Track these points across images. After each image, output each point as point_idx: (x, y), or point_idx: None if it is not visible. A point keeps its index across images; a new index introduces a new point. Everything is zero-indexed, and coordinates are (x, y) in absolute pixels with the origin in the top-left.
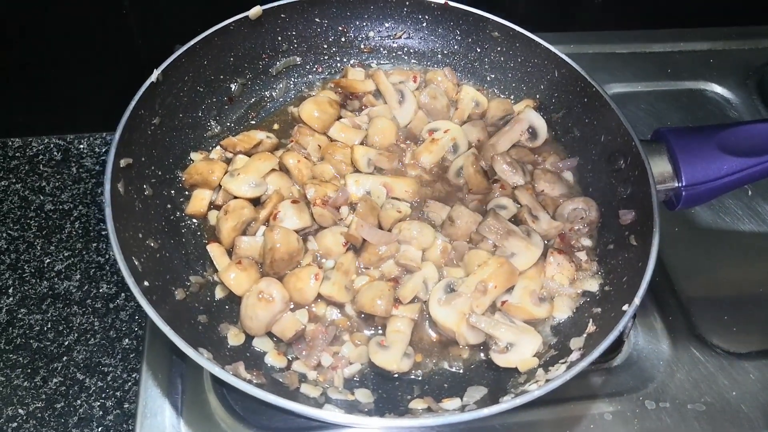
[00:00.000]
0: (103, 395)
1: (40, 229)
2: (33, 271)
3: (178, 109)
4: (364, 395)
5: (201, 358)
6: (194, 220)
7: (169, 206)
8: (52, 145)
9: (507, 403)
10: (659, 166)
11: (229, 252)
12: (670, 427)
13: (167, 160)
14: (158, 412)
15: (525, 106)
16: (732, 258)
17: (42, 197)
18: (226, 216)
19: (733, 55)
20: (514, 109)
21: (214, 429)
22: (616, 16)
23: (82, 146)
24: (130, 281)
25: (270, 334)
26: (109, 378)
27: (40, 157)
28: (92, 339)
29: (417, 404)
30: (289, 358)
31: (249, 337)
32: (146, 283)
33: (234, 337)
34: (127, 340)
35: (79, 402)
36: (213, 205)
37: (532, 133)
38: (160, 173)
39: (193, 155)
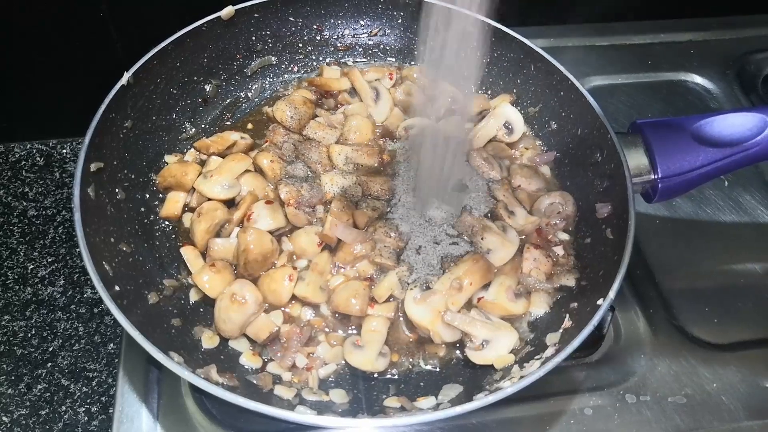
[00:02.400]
0: (88, 401)
1: (23, 234)
2: (16, 277)
3: (151, 111)
4: (339, 396)
5: (171, 362)
6: (168, 223)
7: (142, 209)
8: (34, 151)
9: (480, 401)
10: (635, 159)
11: (204, 254)
12: (651, 420)
13: (140, 163)
14: (135, 417)
15: (501, 101)
16: (713, 249)
17: (25, 203)
18: (200, 218)
19: (714, 46)
20: (491, 104)
21: None
22: (596, 9)
23: (65, 151)
24: (99, 286)
25: (246, 335)
26: (94, 383)
27: (23, 162)
28: (77, 344)
29: (391, 402)
30: (264, 359)
31: (224, 340)
32: (117, 288)
33: (208, 340)
34: (111, 344)
35: (64, 408)
36: (187, 208)
37: (509, 128)
38: (133, 177)
39: (167, 158)
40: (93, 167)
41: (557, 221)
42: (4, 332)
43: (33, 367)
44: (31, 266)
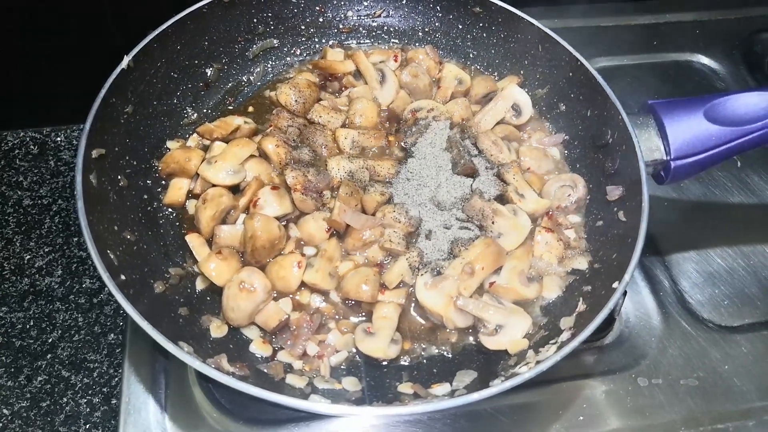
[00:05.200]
0: (90, 392)
1: (18, 225)
2: (13, 268)
3: (152, 96)
4: (351, 383)
5: (181, 352)
6: (172, 211)
7: (145, 197)
8: (28, 139)
9: (497, 386)
10: (647, 140)
11: (209, 242)
12: (664, 403)
13: (142, 149)
14: (142, 408)
15: (509, 82)
16: (722, 231)
17: (20, 192)
18: (205, 205)
19: (720, 26)
20: (498, 86)
21: (200, 423)
22: None
23: (59, 139)
24: (105, 276)
25: (255, 324)
26: (95, 374)
27: (16, 151)
28: (76, 335)
29: (405, 389)
30: (275, 347)
31: (232, 329)
32: (123, 277)
33: (216, 329)
34: (112, 335)
35: (65, 400)
36: (191, 194)
37: (517, 109)
38: (135, 163)
39: (170, 144)
40: (95, 153)
41: (568, 204)
42: (2, 324)
43: (32, 359)
44: (28, 257)
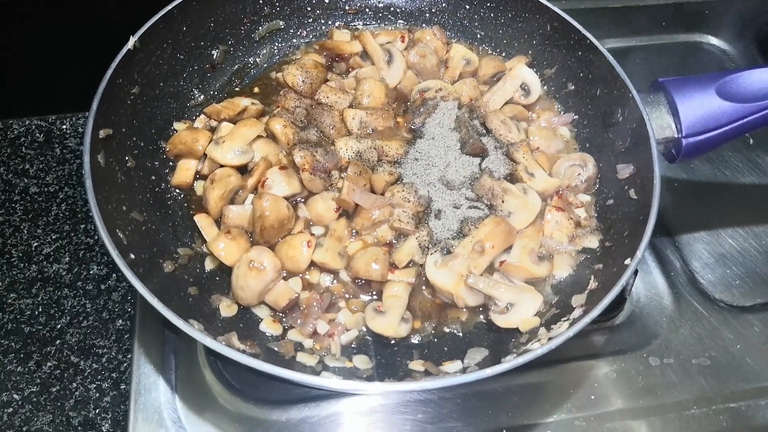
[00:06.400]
0: (99, 377)
1: (25, 212)
2: (21, 255)
3: (159, 77)
4: (362, 361)
5: (192, 329)
6: (180, 191)
7: (153, 178)
8: (33, 127)
9: (510, 362)
10: (658, 118)
11: (218, 222)
12: (675, 383)
13: (149, 130)
14: (152, 389)
15: (517, 62)
16: (733, 211)
17: (26, 180)
18: (213, 185)
19: (729, 6)
20: (506, 66)
21: (210, 403)
22: None
23: (64, 126)
24: (114, 254)
25: (264, 303)
26: (104, 360)
27: (22, 139)
28: (85, 321)
29: (416, 366)
30: (285, 326)
31: (241, 308)
32: (132, 256)
33: (226, 309)
34: (120, 320)
35: (74, 385)
36: (199, 175)
37: (526, 89)
38: (142, 144)
39: (177, 125)
40: (102, 134)
41: (578, 183)
42: (11, 310)
43: (41, 345)
44: (36, 244)
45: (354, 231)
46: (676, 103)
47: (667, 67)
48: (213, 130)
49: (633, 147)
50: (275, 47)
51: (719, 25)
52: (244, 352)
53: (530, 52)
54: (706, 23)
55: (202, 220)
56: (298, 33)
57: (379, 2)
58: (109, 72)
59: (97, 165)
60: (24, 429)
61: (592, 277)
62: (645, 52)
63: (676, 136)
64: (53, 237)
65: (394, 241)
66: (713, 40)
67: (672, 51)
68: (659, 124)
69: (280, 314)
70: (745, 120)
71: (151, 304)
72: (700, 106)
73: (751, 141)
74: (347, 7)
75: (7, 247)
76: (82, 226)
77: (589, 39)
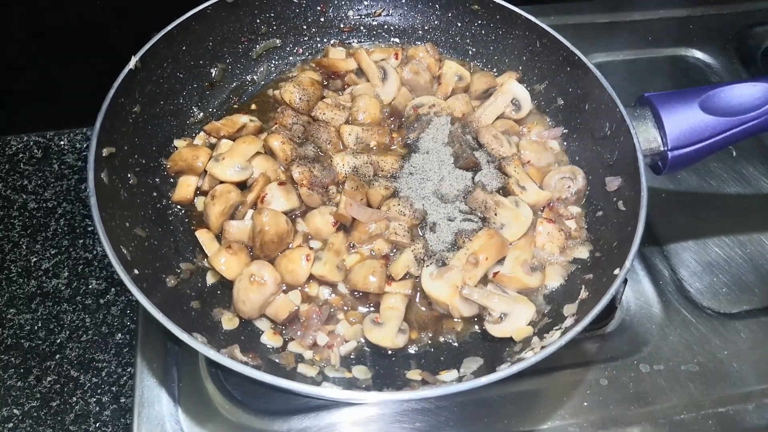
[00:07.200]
0: (99, 391)
1: (24, 228)
2: (20, 270)
3: (159, 96)
4: (361, 372)
5: (196, 342)
6: (181, 207)
7: (155, 194)
8: (31, 143)
9: (505, 371)
10: (644, 131)
11: (218, 237)
12: (665, 388)
13: (151, 148)
14: (155, 402)
15: (508, 78)
16: (719, 220)
17: (25, 196)
18: (213, 201)
19: (713, 20)
20: (497, 81)
21: (212, 415)
22: None
23: (62, 142)
24: (119, 269)
25: (265, 316)
26: (103, 374)
27: (20, 155)
28: (84, 336)
29: (414, 375)
30: (285, 338)
31: (243, 321)
32: (136, 272)
33: (228, 322)
34: (119, 335)
35: (74, 399)
36: (199, 191)
37: (516, 104)
38: (144, 161)
39: (177, 142)
40: (105, 152)
41: (568, 195)
42: (10, 325)
43: (41, 360)
44: (35, 259)
45: (351, 244)
46: (662, 118)
47: (653, 80)
48: (213, 146)
49: (621, 160)
50: (272, 65)
51: (703, 39)
52: (246, 363)
53: (520, 68)
54: (691, 37)
55: (203, 236)
56: (295, 51)
57: (373, 20)
58: (112, 91)
59: (101, 183)
60: None
61: (583, 286)
62: (632, 66)
63: (662, 149)
64: (52, 252)
65: (391, 254)
66: (698, 54)
67: (657, 65)
68: (646, 138)
69: (281, 327)
70: (728, 133)
71: (153, 318)
72: (685, 120)
73: (734, 153)
74: (342, 25)
75: (6, 263)
76: (81, 241)
77: (578, 55)
